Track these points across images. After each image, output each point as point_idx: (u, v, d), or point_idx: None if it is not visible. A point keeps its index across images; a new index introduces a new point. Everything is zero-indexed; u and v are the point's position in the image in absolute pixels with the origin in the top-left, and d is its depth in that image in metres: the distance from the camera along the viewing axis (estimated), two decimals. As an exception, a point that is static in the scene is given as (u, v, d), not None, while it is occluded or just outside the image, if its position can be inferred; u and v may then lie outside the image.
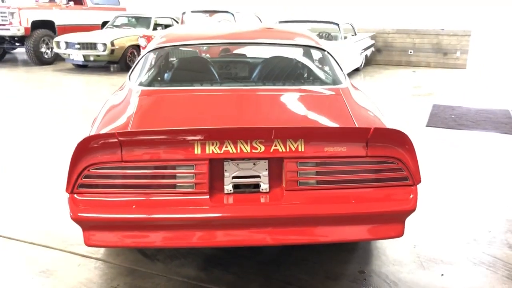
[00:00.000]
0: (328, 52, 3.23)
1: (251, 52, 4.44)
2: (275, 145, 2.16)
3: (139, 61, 3.16)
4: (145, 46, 9.31)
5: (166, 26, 11.03)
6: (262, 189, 2.21)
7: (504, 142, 5.23)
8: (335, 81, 2.97)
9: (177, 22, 11.23)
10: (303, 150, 2.17)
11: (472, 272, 2.65)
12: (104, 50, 9.67)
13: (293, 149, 2.16)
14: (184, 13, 10.49)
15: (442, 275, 2.63)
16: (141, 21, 11.15)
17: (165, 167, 2.16)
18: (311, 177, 2.19)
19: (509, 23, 12.68)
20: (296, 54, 3.78)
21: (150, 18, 11.00)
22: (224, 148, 2.15)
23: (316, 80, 3.16)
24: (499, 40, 13.37)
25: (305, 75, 3.34)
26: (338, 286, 2.53)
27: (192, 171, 2.15)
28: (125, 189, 2.15)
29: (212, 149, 2.15)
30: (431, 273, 2.63)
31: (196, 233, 2.15)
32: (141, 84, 2.91)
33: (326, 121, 2.50)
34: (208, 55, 4.93)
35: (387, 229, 2.21)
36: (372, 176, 2.20)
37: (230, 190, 2.20)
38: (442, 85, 9.24)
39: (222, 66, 3.70)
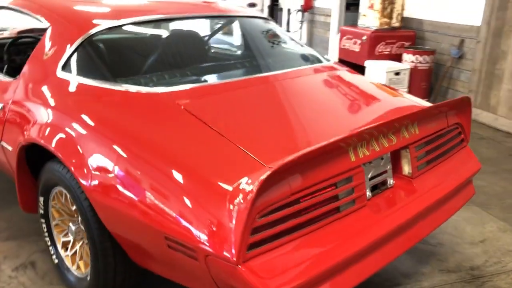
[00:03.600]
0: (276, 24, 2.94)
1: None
2: (402, 133, 1.96)
3: (78, 48, 2.12)
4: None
5: None
6: (390, 185, 1.98)
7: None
8: (318, 58, 2.76)
9: None
10: (418, 133, 2.04)
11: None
12: None
13: (413, 133, 2.02)
14: None
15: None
16: None
17: (328, 188, 1.66)
18: (424, 158, 2.10)
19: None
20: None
21: None
22: (370, 148, 1.82)
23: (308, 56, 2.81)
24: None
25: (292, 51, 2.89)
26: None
27: (352, 183, 1.74)
28: (301, 230, 1.56)
29: (363, 152, 1.78)
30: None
31: (371, 256, 1.76)
32: (145, 84, 2.00)
33: (413, 100, 2.39)
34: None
35: (467, 193, 2.35)
36: (450, 144, 2.28)
37: (369, 195, 1.88)
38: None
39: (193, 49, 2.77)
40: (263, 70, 2.48)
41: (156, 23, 2.49)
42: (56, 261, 2.27)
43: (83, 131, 1.87)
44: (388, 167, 1.97)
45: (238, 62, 2.57)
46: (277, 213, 1.49)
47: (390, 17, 5.81)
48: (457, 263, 2.54)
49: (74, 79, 2.11)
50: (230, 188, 1.47)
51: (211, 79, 2.24)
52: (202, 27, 2.77)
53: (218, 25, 2.78)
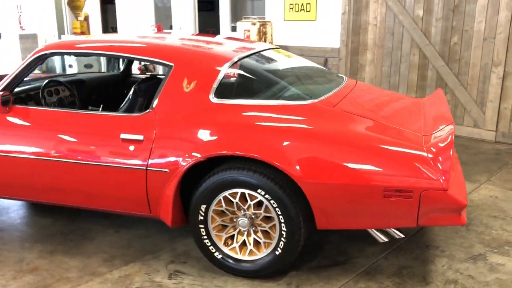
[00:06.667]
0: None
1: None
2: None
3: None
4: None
5: None
6: None
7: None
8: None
9: None
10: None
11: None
12: None
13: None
14: None
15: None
16: None
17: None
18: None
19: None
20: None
21: None
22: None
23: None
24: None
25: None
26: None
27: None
28: None
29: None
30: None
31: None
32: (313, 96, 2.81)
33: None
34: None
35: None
36: None
37: None
38: None
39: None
40: (339, 83, 3.29)
41: (255, 55, 3.18)
42: (219, 256, 2.71)
43: (282, 137, 2.49)
44: None
45: (319, 79, 3.39)
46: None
47: (264, 45, 7.05)
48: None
49: (233, 102, 2.67)
50: (422, 146, 2.40)
51: (324, 91, 2.98)
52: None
53: (273, 55, 3.51)
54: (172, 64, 2.80)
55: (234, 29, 8.22)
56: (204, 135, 2.60)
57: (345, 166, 2.42)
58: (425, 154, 2.38)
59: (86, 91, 3.89)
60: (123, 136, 2.72)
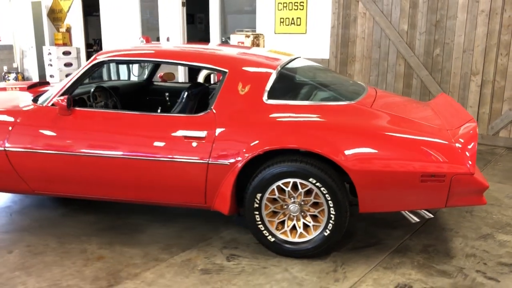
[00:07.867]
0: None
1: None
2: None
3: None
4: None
5: None
6: None
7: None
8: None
9: None
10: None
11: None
12: None
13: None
14: None
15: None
16: None
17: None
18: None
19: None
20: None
21: None
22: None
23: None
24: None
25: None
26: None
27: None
28: None
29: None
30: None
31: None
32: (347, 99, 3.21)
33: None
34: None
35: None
36: None
37: None
38: None
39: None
40: (364, 88, 3.67)
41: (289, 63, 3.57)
42: (272, 239, 3.06)
43: (331, 132, 2.89)
44: None
45: (343, 84, 3.79)
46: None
47: (257, 56, 7.46)
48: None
49: (283, 102, 3.06)
50: (451, 138, 2.84)
51: (356, 94, 3.38)
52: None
53: (301, 63, 3.91)
54: (227, 71, 3.16)
55: (223, 41, 8.60)
56: (260, 131, 2.96)
57: (388, 155, 2.83)
58: (454, 144, 2.83)
59: (120, 96, 4.16)
60: (185, 133, 3.03)
